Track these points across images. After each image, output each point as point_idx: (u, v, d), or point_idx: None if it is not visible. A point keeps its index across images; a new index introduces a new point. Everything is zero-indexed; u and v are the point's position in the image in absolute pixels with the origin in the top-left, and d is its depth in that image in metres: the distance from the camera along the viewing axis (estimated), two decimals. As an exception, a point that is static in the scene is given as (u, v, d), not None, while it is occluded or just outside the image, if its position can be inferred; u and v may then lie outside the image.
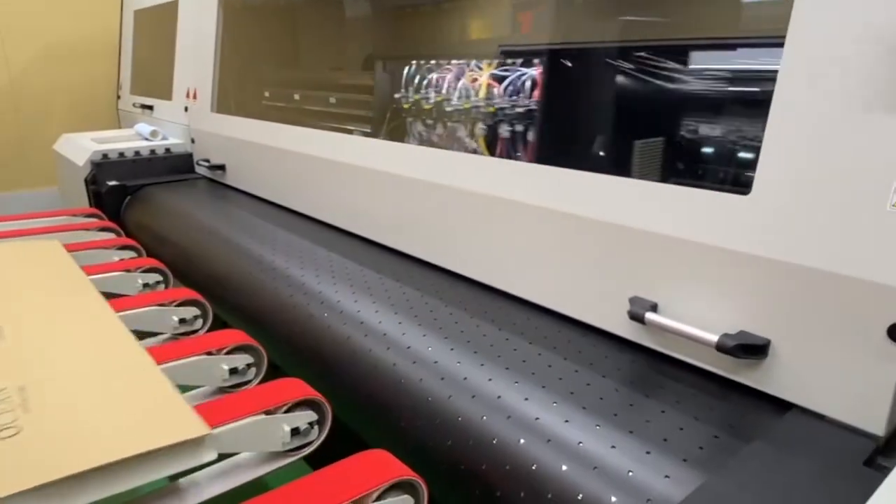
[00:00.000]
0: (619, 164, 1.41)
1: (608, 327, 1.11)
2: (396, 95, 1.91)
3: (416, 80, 1.84)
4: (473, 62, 1.70)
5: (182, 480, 0.95)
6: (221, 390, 1.18)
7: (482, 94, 1.63)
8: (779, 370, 0.88)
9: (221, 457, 0.95)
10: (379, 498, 0.82)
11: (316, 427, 1.02)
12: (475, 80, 1.67)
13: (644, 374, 1.02)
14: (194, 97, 2.70)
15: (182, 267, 1.92)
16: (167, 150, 2.79)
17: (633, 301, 1.04)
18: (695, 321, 0.96)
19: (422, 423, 1.05)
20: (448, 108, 1.75)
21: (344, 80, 2.28)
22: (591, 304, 1.14)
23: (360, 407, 1.20)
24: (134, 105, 3.48)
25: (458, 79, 1.72)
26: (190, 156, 2.79)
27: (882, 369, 0.78)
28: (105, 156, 2.64)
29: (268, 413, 0.98)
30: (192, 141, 2.76)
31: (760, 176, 0.87)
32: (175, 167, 2.76)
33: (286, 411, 1.01)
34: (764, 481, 0.73)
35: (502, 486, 0.91)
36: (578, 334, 1.15)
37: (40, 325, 1.26)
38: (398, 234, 1.63)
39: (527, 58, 1.55)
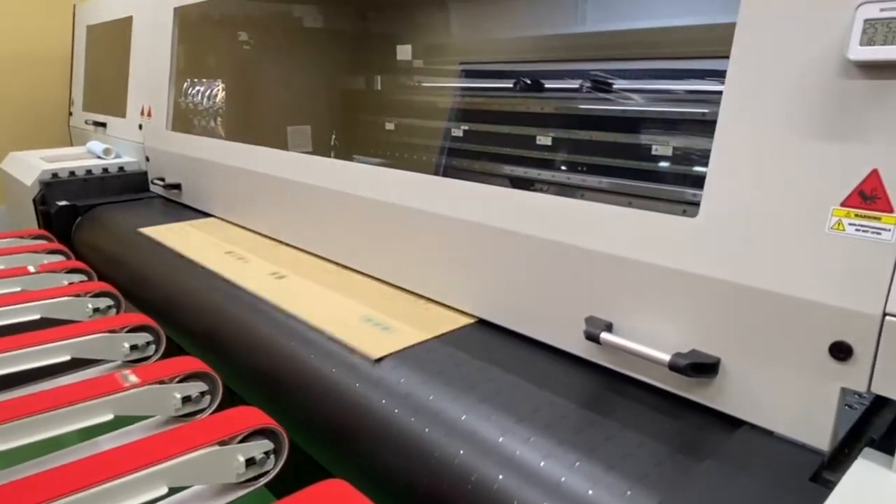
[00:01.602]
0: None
1: (565, 347, 1.13)
2: (179, 100, 2.69)
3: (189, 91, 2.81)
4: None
5: (131, 516, 0.91)
6: (174, 420, 1.15)
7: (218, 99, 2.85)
8: (729, 388, 0.90)
9: (173, 490, 0.92)
10: (335, 530, 0.80)
11: (272, 456, 1.00)
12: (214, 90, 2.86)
13: (600, 394, 1.03)
14: (149, 115, 2.64)
15: (135, 290, 1.87)
16: (120, 168, 2.72)
17: (589, 321, 1.05)
18: (649, 340, 0.97)
19: (379, 453, 1.04)
20: (200, 109, 2.83)
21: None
22: (547, 324, 1.15)
23: (320, 434, 1.19)
24: (86, 122, 3.39)
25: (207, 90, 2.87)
26: (144, 174, 2.73)
27: (825, 386, 0.80)
28: (55, 175, 2.56)
29: (221, 444, 0.95)
30: (147, 159, 2.70)
31: (707, 199, 0.89)
32: (129, 186, 2.69)
33: (241, 441, 0.98)
34: (714, 500, 0.74)
35: (461, 512, 0.90)
36: (536, 355, 1.15)
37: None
38: (353, 253, 1.62)
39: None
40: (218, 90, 2.81)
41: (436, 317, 1.31)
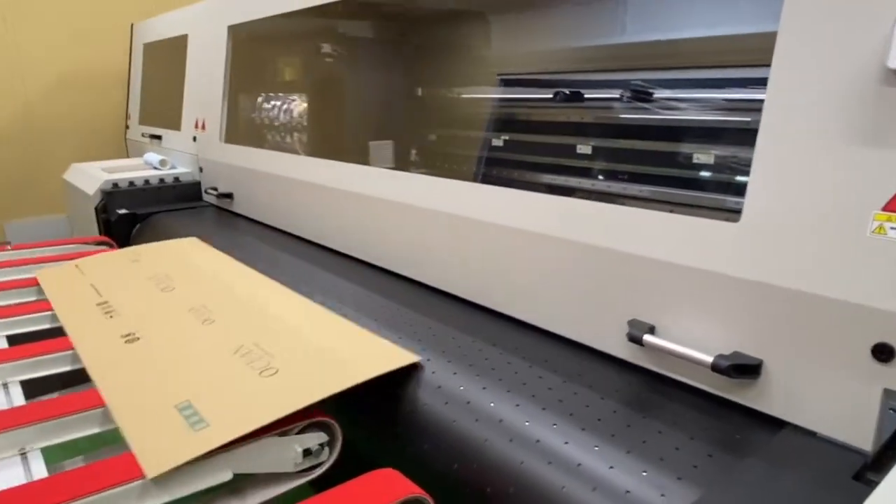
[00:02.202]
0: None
1: (607, 349, 1.15)
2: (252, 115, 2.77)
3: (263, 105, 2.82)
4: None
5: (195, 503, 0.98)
6: (233, 413, 1.21)
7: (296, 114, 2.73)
8: (771, 389, 0.92)
9: (237, 476, 0.98)
10: (389, 515, 0.85)
11: (326, 448, 1.05)
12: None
13: (641, 394, 1.05)
14: (203, 127, 2.77)
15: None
16: (176, 178, 2.85)
17: (632, 324, 1.08)
18: (691, 343, 1.00)
19: (428, 447, 1.09)
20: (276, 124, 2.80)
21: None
22: (591, 327, 1.18)
23: (367, 429, 1.24)
24: (143, 135, 3.56)
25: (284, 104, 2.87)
26: (198, 184, 2.85)
27: (868, 387, 0.82)
28: (115, 185, 2.70)
29: (281, 434, 1.01)
30: (201, 170, 2.83)
31: (749, 204, 0.92)
32: (183, 195, 2.82)
33: (297, 433, 1.04)
34: (756, 496, 0.76)
35: (507, 507, 0.94)
36: (578, 357, 1.18)
37: (233, 300, 1.58)
38: (404, 260, 1.68)
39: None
40: (294, 105, 2.85)
41: (283, 390, 1.11)
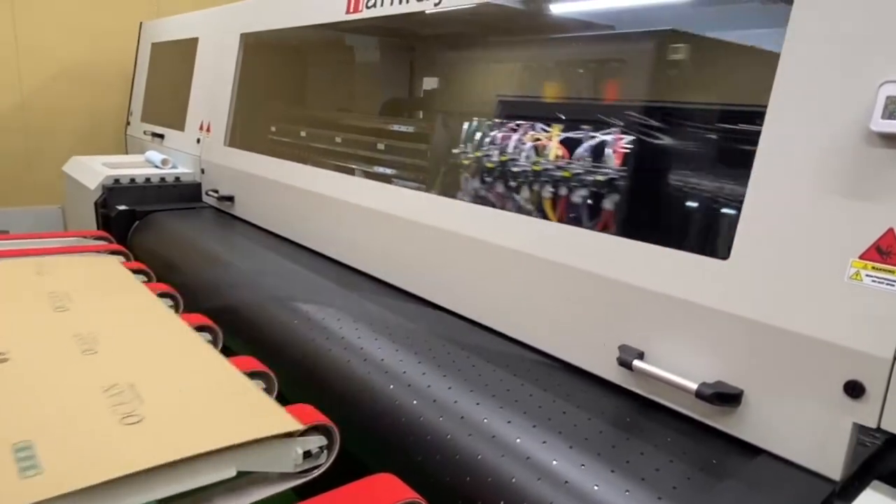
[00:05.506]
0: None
1: (597, 371, 1.21)
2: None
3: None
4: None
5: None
6: (234, 413, 1.25)
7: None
8: (750, 418, 0.98)
9: (240, 473, 1.02)
10: (387, 518, 0.90)
11: (325, 451, 1.09)
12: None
13: (627, 416, 1.11)
14: (208, 130, 2.81)
15: (189, 293, 1.99)
16: (177, 178, 2.89)
17: (622, 349, 1.14)
18: (677, 370, 1.06)
19: (422, 459, 1.13)
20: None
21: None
22: (583, 349, 1.24)
23: (362, 438, 1.28)
24: (144, 133, 3.59)
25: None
26: (198, 185, 2.89)
27: (839, 421, 0.88)
28: (117, 181, 2.73)
29: (286, 435, 1.05)
30: (202, 171, 2.86)
31: (738, 244, 0.99)
32: (183, 195, 2.85)
33: (299, 435, 1.08)
34: (733, 516, 0.82)
35: (498, 519, 0.99)
36: (569, 377, 1.24)
37: (127, 332, 1.44)
38: (400, 273, 1.73)
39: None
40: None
41: (134, 445, 0.99)
